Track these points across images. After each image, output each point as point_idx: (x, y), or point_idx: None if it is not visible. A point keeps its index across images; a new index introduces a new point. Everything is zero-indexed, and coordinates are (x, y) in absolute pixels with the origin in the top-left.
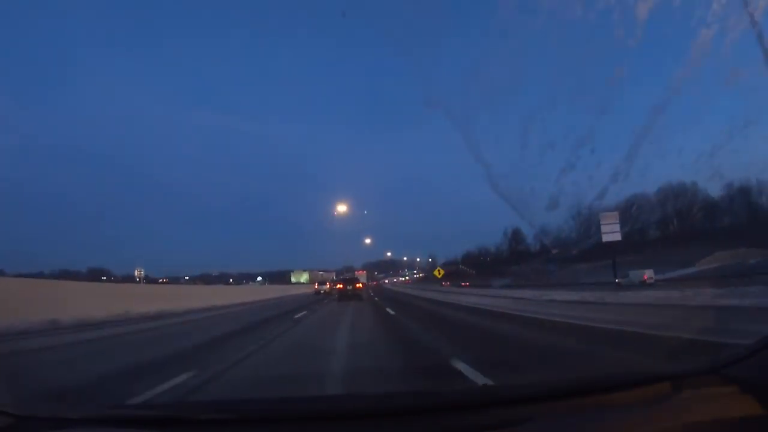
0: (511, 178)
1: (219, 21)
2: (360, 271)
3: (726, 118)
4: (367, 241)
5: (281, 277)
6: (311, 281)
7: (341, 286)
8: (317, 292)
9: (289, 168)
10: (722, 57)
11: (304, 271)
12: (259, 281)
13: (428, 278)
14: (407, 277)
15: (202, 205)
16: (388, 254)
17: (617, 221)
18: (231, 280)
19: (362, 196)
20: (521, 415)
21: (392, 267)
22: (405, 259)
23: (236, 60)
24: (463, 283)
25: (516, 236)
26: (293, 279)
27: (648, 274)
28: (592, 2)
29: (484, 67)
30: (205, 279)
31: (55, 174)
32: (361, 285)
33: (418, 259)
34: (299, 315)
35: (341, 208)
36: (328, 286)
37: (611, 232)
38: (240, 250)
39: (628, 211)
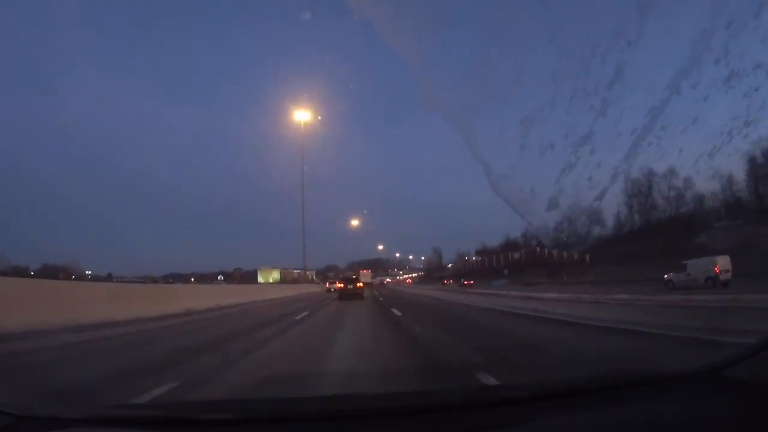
0: (511, 178)
1: (205, 13)
2: (365, 270)
3: (726, 118)
4: (354, 222)
5: (249, 277)
6: (283, 281)
7: (342, 285)
8: (328, 290)
9: (272, 166)
10: (723, 56)
11: (274, 269)
12: (220, 280)
13: (429, 277)
14: (410, 276)
15: (171, 203)
16: (380, 248)
17: None
18: (192, 279)
19: (353, 194)
20: (521, 415)
21: (381, 266)
22: (398, 255)
23: (218, 55)
24: (465, 281)
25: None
26: (261, 278)
27: (722, 265)
28: (592, 2)
29: (484, 67)
30: (175, 278)
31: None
32: (361, 284)
33: (410, 257)
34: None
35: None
36: (337, 284)
37: None
38: (208, 249)
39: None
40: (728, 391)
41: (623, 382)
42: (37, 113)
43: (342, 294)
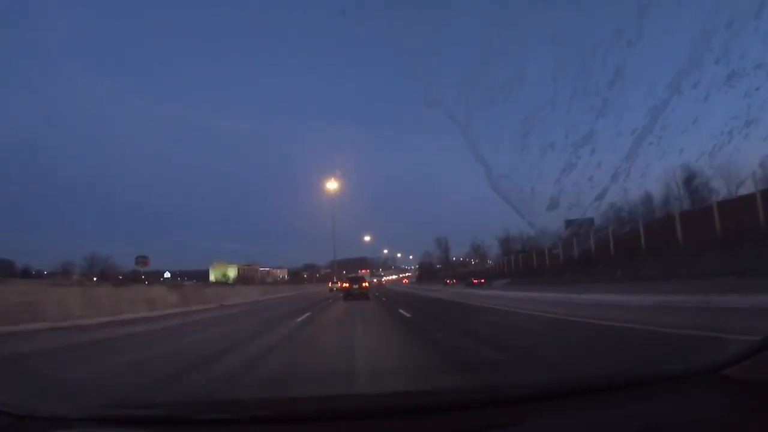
0: (512, 177)
1: (211, 17)
2: (364, 270)
3: (727, 118)
4: (331, 187)
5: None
6: (242, 280)
7: (347, 285)
8: (330, 290)
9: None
10: (724, 56)
11: (230, 264)
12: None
13: (430, 276)
14: (406, 275)
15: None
16: (366, 238)
17: None
18: (143, 278)
19: (343, 192)
20: (521, 415)
21: (366, 266)
22: (386, 251)
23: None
24: (474, 280)
25: None
26: (212, 276)
27: None
28: (592, 2)
29: (484, 67)
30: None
31: None
32: (367, 284)
33: (399, 255)
34: None
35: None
36: (341, 284)
37: None
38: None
39: None
40: (728, 391)
41: (623, 382)
42: None
43: (348, 294)
